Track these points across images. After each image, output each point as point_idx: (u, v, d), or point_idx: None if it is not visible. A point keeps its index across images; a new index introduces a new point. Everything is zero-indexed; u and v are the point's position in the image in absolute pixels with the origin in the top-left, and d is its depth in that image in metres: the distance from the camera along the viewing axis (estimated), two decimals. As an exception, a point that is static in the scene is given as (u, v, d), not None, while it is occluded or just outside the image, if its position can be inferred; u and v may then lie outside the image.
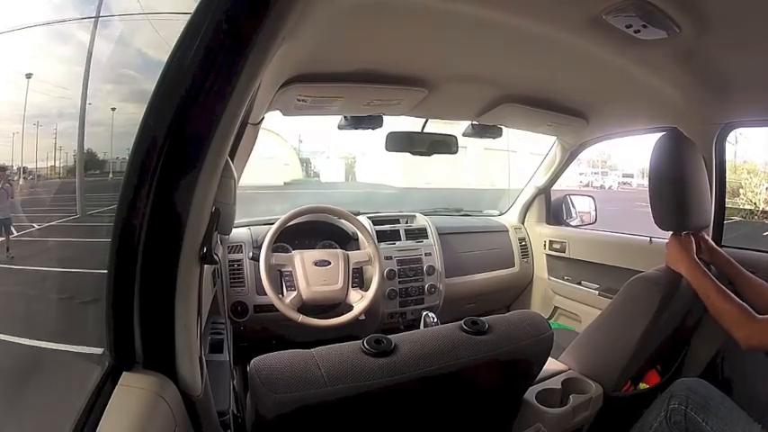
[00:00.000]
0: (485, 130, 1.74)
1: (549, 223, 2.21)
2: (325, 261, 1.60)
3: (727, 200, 1.52)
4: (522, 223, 2.27)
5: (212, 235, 0.60)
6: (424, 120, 1.70)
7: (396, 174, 10.00)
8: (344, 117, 1.52)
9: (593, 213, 2.14)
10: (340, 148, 12.44)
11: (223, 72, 0.50)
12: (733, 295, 1.06)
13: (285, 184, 10.04)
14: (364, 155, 11.83)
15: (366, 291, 1.58)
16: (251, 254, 1.60)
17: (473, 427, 0.90)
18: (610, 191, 14.80)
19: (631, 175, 16.28)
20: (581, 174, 14.31)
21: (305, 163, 12.66)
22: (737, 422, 0.97)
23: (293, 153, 11.86)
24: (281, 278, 1.63)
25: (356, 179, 12.37)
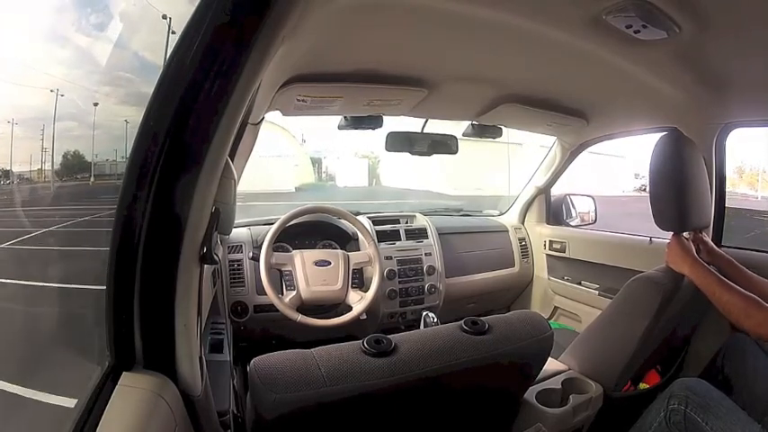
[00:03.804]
0: (485, 130, 1.74)
1: (549, 223, 2.21)
2: (326, 261, 1.59)
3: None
4: (522, 223, 2.27)
5: (212, 235, 0.60)
6: (425, 120, 1.70)
7: (439, 177, 8.28)
8: (344, 117, 1.52)
9: (593, 213, 2.14)
10: (352, 146, 10.47)
11: (223, 72, 0.50)
12: (738, 287, 1.06)
13: (296, 189, 8.80)
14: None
15: (366, 291, 1.58)
16: (251, 254, 1.60)
17: (473, 428, 0.89)
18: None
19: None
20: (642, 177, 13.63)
21: (316, 164, 10.91)
22: (737, 422, 0.96)
23: (302, 151, 10.29)
24: (281, 278, 1.62)
25: (381, 183, 10.57)
